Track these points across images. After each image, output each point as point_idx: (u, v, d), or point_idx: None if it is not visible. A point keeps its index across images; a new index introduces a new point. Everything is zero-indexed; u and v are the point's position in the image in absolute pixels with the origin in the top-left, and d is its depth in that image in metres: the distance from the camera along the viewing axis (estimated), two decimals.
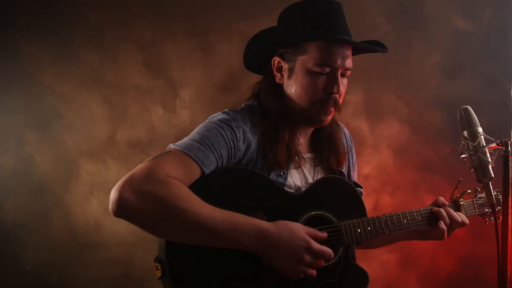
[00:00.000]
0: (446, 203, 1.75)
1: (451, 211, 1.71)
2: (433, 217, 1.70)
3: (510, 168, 1.47)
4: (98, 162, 2.80)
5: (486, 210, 1.84)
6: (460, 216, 1.72)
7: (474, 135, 1.54)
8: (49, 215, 2.75)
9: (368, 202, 1.69)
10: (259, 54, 1.67)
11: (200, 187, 1.39)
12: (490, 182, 1.53)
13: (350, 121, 2.83)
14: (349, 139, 1.88)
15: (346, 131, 1.88)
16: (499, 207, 1.69)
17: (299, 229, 1.43)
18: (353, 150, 1.89)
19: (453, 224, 1.70)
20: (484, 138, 1.54)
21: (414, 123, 2.96)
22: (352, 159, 1.87)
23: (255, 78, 1.81)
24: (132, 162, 2.79)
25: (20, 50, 2.75)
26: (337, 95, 1.57)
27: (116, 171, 2.78)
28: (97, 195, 2.79)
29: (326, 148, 1.70)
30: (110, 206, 1.31)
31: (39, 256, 2.72)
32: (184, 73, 2.86)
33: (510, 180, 1.46)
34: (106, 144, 2.81)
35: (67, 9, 2.78)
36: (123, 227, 2.78)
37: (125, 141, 2.82)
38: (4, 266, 2.69)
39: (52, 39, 2.77)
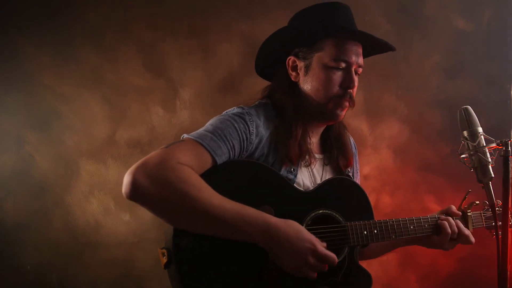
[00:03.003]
0: (459, 213, 1.75)
1: (460, 224, 1.71)
2: (438, 226, 1.70)
3: (510, 168, 1.47)
4: (98, 162, 2.79)
5: (494, 224, 1.83)
6: (468, 232, 1.72)
7: (474, 135, 1.53)
8: (49, 215, 2.75)
9: None
10: (272, 58, 1.71)
11: (211, 177, 1.42)
12: (490, 182, 1.53)
13: (350, 121, 2.81)
14: (354, 147, 1.91)
15: (351, 138, 1.91)
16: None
17: (306, 231, 1.45)
18: (357, 158, 1.92)
19: (460, 237, 1.70)
20: (484, 138, 1.54)
21: (414, 123, 2.96)
22: (356, 166, 1.89)
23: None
24: (132, 162, 2.74)
25: (20, 50, 2.75)
26: (352, 90, 1.62)
27: (116, 171, 2.78)
28: (97, 195, 2.79)
29: (336, 148, 1.74)
30: (123, 189, 1.35)
31: (39, 256, 2.72)
32: (184, 73, 2.86)
33: (510, 180, 1.46)
34: (106, 144, 2.81)
35: (67, 9, 2.78)
36: (123, 227, 2.79)
37: (125, 141, 2.82)
38: (4, 266, 2.69)
39: (52, 39, 2.77)
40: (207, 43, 2.87)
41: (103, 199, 2.78)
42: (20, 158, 2.74)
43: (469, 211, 1.78)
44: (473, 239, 1.73)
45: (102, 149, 2.80)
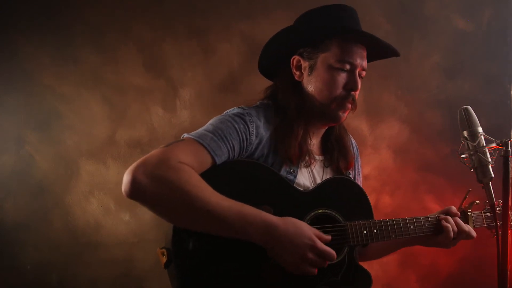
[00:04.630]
0: (458, 213, 1.74)
1: (459, 221, 1.71)
2: (439, 226, 1.70)
3: (510, 168, 1.47)
4: (98, 162, 2.79)
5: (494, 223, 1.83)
6: (468, 228, 1.71)
7: (474, 135, 1.54)
8: (49, 215, 2.75)
9: None
10: (276, 57, 1.70)
11: (211, 177, 1.42)
12: (490, 182, 1.53)
13: (350, 121, 2.81)
14: (356, 149, 1.91)
15: (353, 140, 1.91)
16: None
17: (305, 227, 1.45)
18: (359, 160, 1.92)
19: (460, 234, 1.70)
20: (484, 138, 1.54)
21: (414, 123, 2.96)
22: (358, 168, 1.90)
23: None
24: (132, 162, 2.75)
25: (20, 50, 2.75)
26: (355, 93, 1.62)
27: (116, 171, 2.78)
28: (97, 195, 2.79)
29: (336, 150, 1.74)
30: (123, 188, 1.35)
31: (39, 256, 2.72)
32: (184, 73, 2.86)
33: (510, 180, 1.46)
34: (106, 144, 2.81)
35: (67, 9, 2.78)
36: (123, 227, 2.79)
37: (125, 141, 2.82)
38: (4, 266, 2.69)
39: (52, 39, 2.77)
40: (207, 43, 2.87)
41: (103, 199, 2.79)
42: (20, 158, 2.74)
43: (470, 210, 1.78)
44: (474, 234, 1.73)
45: (102, 149, 2.80)
